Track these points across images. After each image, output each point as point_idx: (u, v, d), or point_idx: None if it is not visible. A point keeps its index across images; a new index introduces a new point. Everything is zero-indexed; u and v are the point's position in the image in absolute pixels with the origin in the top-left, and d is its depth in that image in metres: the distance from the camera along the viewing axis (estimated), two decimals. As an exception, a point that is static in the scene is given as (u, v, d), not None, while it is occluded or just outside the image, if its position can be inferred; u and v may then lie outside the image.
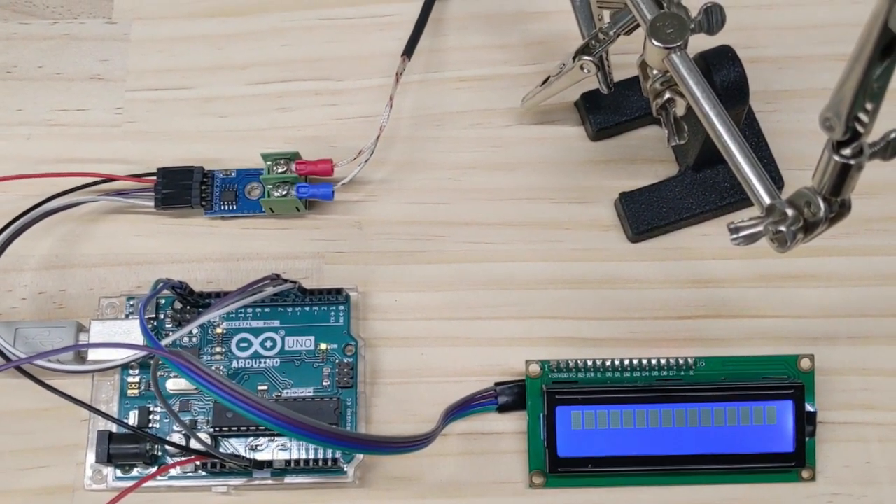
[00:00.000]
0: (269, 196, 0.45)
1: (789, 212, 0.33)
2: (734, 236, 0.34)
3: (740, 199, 0.45)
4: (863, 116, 0.29)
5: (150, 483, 0.42)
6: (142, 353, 0.42)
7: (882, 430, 0.43)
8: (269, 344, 0.44)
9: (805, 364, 0.43)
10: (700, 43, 0.40)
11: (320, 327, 0.44)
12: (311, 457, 0.42)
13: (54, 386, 0.42)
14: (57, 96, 0.49)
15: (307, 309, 0.44)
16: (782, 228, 0.33)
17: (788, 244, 0.33)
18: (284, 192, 0.45)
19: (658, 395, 0.42)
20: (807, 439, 0.42)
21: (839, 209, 0.33)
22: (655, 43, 0.37)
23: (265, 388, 0.43)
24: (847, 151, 0.30)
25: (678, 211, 0.46)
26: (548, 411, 0.41)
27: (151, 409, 0.43)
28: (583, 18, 0.43)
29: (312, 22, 0.50)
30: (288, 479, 0.42)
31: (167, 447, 0.42)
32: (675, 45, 0.37)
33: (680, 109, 0.40)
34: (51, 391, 0.41)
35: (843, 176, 0.31)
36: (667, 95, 0.40)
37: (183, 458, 0.41)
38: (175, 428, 0.42)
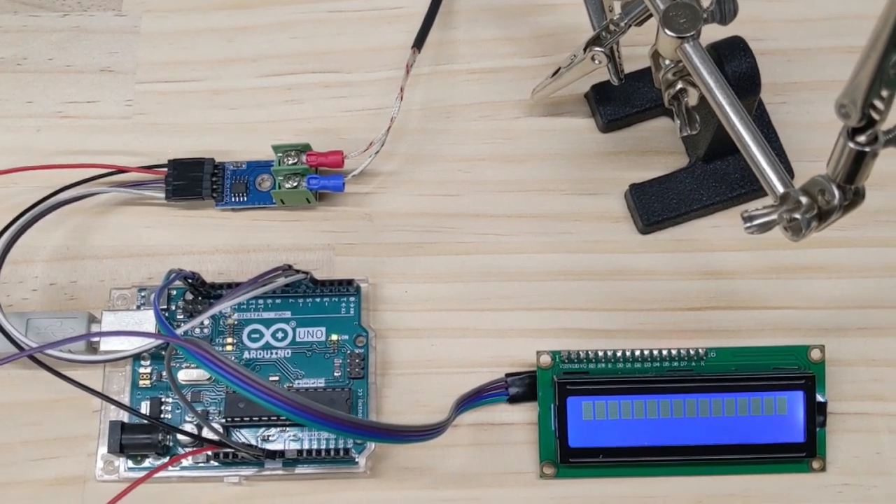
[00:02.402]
0: (279, 188, 0.45)
1: (803, 200, 0.33)
2: (748, 225, 0.34)
3: (750, 190, 0.45)
4: (878, 104, 0.29)
5: (161, 474, 0.42)
6: (154, 344, 0.42)
7: (892, 421, 0.43)
8: (280, 335, 0.44)
9: (816, 355, 0.43)
10: (709, 35, 0.40)
11: (331, 318, 0.44)
12: (323, 447, 0.42)
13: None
14: (67, 89, 0.49)
15: (318, 300, 0.44)
16: (797, 216, 0.33)
17: (803, 232, 0.33)
18: (295, 184, 0.45)
19: (669, 386, 0.42)
20: (817, 430, 0.42)
21: (853, 197, 0.33)
22: (669, 32, 0.37)
23: (276, 378, 0.43)
24: (862, 139, 0.30)
25: (688, 202, 0.46)
26: (559, 402, 0.42)
27: (163, 399, 0.43)
28: (593, 10, 0.43)
29: (321, 14, 0.50)
30: (299, 470, 0.42)
31: (179, 437, 0.42)
32: (688, 34, 0.37)
33: (692, 99, 0.40)
34: (64, 380, 0.41)
35: (857, 163, 0.31)
36: (679, 86, 0.40)
37: (195, 448, 0.41)
38: (187, 418, 0.42)
